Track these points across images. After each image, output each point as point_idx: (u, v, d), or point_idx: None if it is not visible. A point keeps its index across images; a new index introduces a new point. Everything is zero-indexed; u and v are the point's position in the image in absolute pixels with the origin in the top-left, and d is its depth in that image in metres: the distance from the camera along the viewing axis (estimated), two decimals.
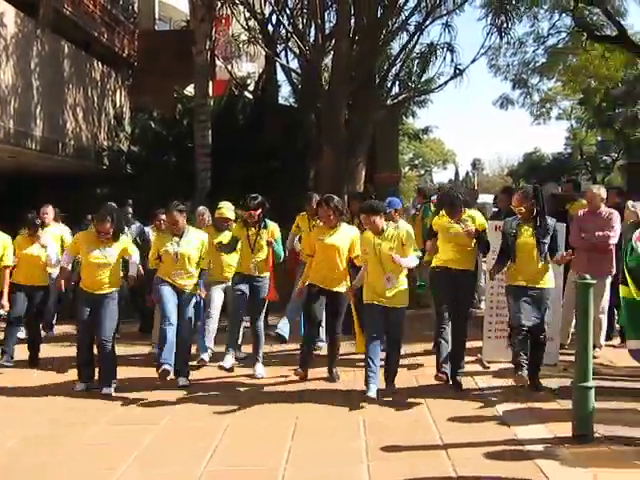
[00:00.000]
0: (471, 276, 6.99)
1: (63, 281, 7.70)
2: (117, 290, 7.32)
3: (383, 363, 6.80)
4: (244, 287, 7.46)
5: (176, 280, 7.29)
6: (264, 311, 7.72)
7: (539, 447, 5.21)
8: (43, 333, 9.36)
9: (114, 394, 7.05)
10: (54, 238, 9.28)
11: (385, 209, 6.97)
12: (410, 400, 6.50)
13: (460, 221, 6.77)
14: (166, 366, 6.93)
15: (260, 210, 7.41)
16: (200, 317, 7.89)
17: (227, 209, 8.09)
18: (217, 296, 8.10)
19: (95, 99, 17.46)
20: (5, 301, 8.21)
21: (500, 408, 6.20)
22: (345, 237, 7.19)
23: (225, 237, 7.95)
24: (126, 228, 8.58)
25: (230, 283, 7.94)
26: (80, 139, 16.58)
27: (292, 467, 5.06)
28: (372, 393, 6.40)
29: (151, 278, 7.73)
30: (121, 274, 7.46)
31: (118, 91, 18.78)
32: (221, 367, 7.30)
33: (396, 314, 6.73)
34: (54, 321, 10.35)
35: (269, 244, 7.43)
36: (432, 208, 10.43)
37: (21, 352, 8.44)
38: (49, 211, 9.88)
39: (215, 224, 8.32)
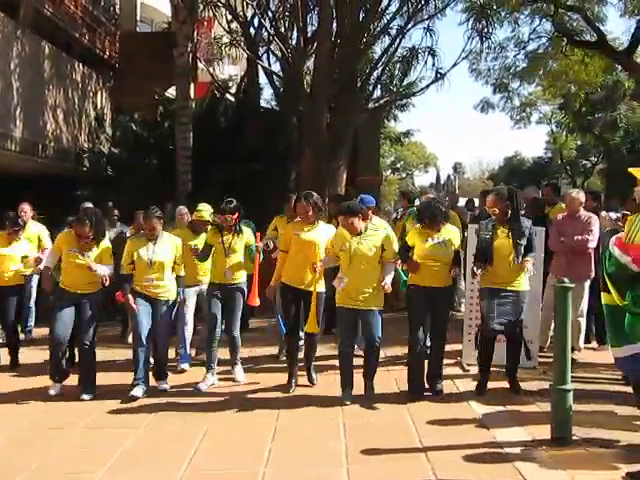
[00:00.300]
0: (448, 291, 6.89)
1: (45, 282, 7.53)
2: (98, 290, 7.20)
3: (363, 368, 6.76)
4: (219, 297, 7.29)
5: (150, 289, 7.17)
6: (239, 318, 7.52)
7: (518, 449, 5.24)
8: (21, 335, 9.23)
9: (93, 398, 6.99)
10: (31, 237, 9.20)
11: (362, 210, 6.83)
12: (390, 403, 6.50)
13: (436, 238, 6.65)
14: (137, 391, 6.91)
15: (236, 214, 7.28)
16: (179, 320, 7.80)
17: (206, 212, 7.93)
18: (190, 301, 7.99)
19: (76, 101, 17.36)
20: None
21: (479, 411, 6.23)
22: (323, 234, 7.04)
23: (201, 240, 7.81)
24: (109, 231, 8.54)
25: (204, 286, 7.85)
26: (60, 141, 16.48)
27: (272, 470, 5.06)
28: (348, 400, 6.44)
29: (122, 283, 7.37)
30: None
31: (99, 93, 18.68)
32: (198, 390, 7.18)
33: (370, 316, 6.58)
34: (32, 322, 10.10)
35: (258, 250, 7.39)
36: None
37: None
38: (27, 209, 9.75)
39: (192, 226, 8.17)
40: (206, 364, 7.37)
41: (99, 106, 18.47)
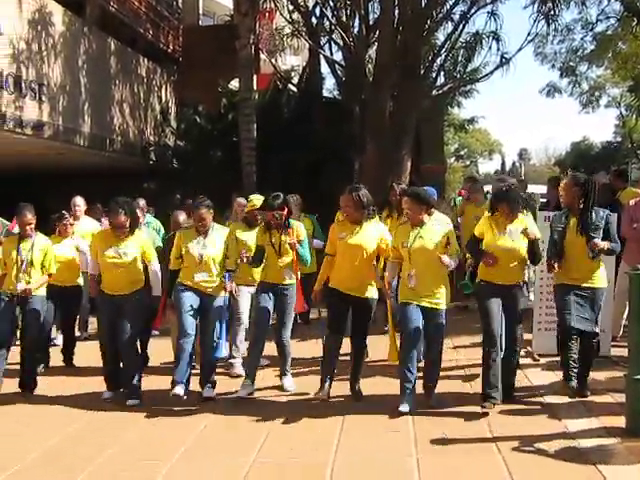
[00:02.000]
0: (520, 289, 6.22)
1: (92, 289, 7.12)
2: (139, 290, 6.82)
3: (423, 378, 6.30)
4: (269, 300, 6.72)
5: (199, 283, 6.67)
6: (291, 322, 6.96)
7: (591, 441, 5.12)
8: (78, 333, 9.16)
9: (139, 404, 6.63)
10: (85, 233, 8.86)
11: (432, 204, 6.33)
12: (459, 394, 6.42)
13: (510, 228, 6.07)
14: (178, 389, 6.38)
15: (286, 210, 6.69)
16: (225, 319, 7.18)
17: (258, 200, 7.37)
18: (245, 301, 7.43)
19: (141, 95, 17.69)
20: None
21: (551, 401, 6.11)
22: (371, 236, 6.39)
23: (254, 235, 7.10)
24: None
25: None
26: (127, 135, 16.81)
27: (341, 458, 5.06)
28: (405, 408, 5.94)
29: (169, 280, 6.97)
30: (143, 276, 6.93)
31: (164, 87, 18.99)
32: (239, 397, 6.65)
33: (435, 316, 6.09)
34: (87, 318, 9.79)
35: (292, 247, 6.67)
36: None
37: (56, 356, 8.36)
38: (81, 203, 9.39)
39: (246, 219, 7.60)
40: (246, 369, 6.87)
41: (164, 100, 18.78)
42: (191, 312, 6.61)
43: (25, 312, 7.15)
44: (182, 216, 8.26)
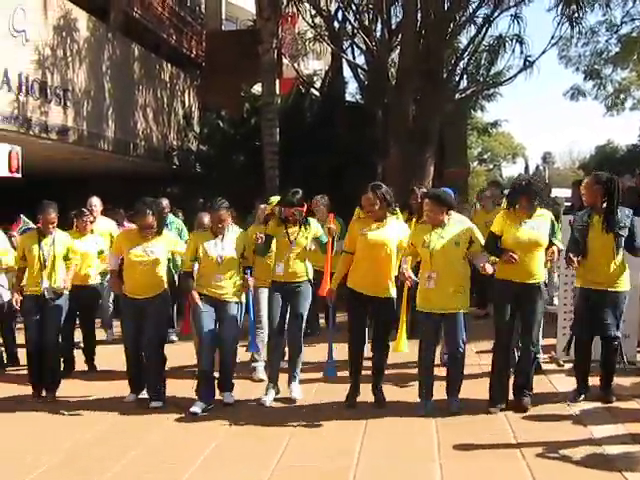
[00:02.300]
0: (540, 289, 6.01)
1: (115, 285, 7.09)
2: (161, 293, 6.80)
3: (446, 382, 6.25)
4: (281, 301, 6.62)
5: (215, 290, 6.57)
6: (304, 322, 6.77)
7: (617, 447, 5.06)
8: (104, 336, 9.17)
9: (162, 406, 6.63)
10: (102, 233, 8.85)
11: (452, 204, 6.26)
12: (483, 399, 6.37)
13: (528, 223, 5.93)
14: (196, 407, 6.35)
15: (305, 207, 6.65)
16: (251, 319, 7.08)
17: None
18: (265, 301, 7.21)
19: (165, 100, 17.79)
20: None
21: (576, 407, 6.05)
22: (393, 233, 6.30)
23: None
24: None
25: None
26: (151, 139, 16.91)
27: (363, 463, 5.03)
28: (422, 411, 6.00)
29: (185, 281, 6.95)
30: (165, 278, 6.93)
31: (187, 91, 19.09)
32: (260, 404, 6.59)
33: (455, 319, 6.01)
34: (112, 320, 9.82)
35: (330, 232, 6.58)
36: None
37: (79, 359, 8.37)
38: (97, 203, 9.32)
39: (266, 221, 7.34)
40: (268, 374, 6.87)
41: (187, 104, 18.88)
42: (209, 323, 6.55)
43: (46, 310, 7.10)
44: (207, 218, 8.27)
